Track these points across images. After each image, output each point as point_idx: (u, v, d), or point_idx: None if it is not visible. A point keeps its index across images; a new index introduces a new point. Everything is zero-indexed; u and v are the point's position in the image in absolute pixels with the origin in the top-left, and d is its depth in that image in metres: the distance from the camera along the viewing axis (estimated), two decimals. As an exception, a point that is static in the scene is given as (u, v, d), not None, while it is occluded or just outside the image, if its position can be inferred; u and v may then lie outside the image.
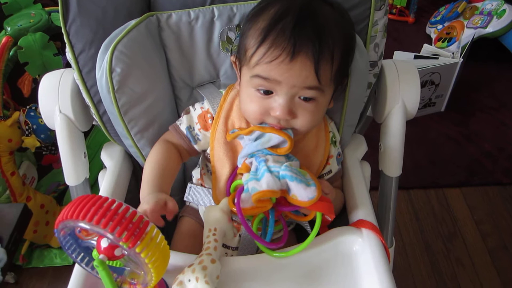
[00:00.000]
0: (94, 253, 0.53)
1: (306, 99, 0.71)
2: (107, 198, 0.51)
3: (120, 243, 0.49)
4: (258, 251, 0.77)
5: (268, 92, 0.71)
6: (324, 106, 0.75)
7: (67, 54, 0.81)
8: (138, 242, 0.50)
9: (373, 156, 0.97)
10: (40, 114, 1.36)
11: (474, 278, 1.46)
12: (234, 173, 0.75)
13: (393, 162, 0.89)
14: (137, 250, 0.50)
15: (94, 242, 0.54)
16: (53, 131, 1.38)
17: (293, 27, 0.67)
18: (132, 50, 0.77)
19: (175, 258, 0.60)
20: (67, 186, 1.57)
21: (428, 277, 1.47)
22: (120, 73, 0.76)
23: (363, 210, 0.76)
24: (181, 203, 0.92)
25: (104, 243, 0.53)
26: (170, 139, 0.85)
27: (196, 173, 0.89)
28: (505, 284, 1.45)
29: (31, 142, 1.38)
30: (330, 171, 0.84)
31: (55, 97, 0.83)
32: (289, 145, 0.71)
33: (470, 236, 1.59)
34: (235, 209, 0.68)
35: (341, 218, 0.79)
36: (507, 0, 2.24)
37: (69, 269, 1.46)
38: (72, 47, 0.79)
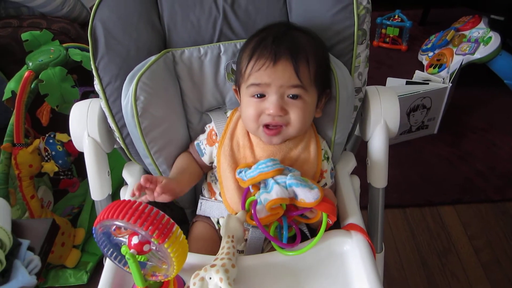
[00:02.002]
0: (123, 249, 0.63)
1: (293, 97, 0.86)
2: (141, 203, 0.62)
3: (152, 239, 0.60)
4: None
5: (261, 96, 0.87)
6: (311, 106, 0.88)
7: (95, 86, 0.93)
8: (166, 239, 0.61)
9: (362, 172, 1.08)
10: (58, 141, 1.49)
11: (468, 291, 1.53)
12: (246, 190, 0.86)
13: (379, 175, 1.01)
14: (165, 245, 0.61)
15: (124, 240, 0.65)
16: (69, 157, 1.50)
17: (272, 42, 0.85)
18: (153, 81, 0.90)
19: (190, 258, 0.70)
20: (81, 209, 1.68)
21: (425, 290, 1.54)
22: (144, 100, 0.89)
23: (352, 216, 0.86)
24: (193, 214, 1.03)
25: (135, 240, 0.63)
26: (190, 151, 1.00)
27: (204, 185, 1.00)
28: (499, 295, 1.52)
29: (50, 167, 1.48)
30: (325, 184, 0.95)
31: (84, 123, 0.96)
32: None
33: (464, 251, 1.66)
34: (253, 224, 0.80)
35: (335, 225, 0.89)
36: (492, 28, 2.37)
37: (82, 288, 1.56)
38: (100, 80, 0.92)
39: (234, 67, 0.97)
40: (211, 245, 0.86)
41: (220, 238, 0.93)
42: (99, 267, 1.59)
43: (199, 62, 0.96)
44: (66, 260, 1.55)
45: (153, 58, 0.92)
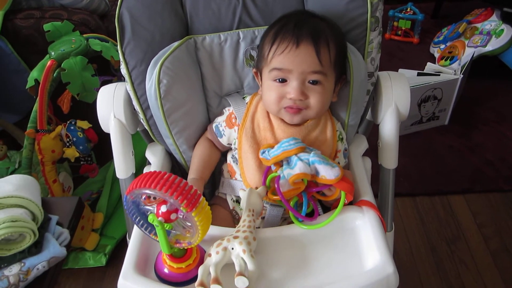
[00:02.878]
0: (150, 217, 0.68)
1: (314, 83, 0.90)
2: (171, 174, 0.66)
3: (181, 208, 0.65)
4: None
5: (283, 80, 0.91)
6: (329, 91, 0.93)
7: (122, 69, 0.98)
8: (194, 208, 0.65)
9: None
10: (78, 128, 1.54)
11: (477, 278, 1.56)
12: (268, 168, 0.91)
13: (390, 156, 1.05)
14: (193, 214, 0.65)
15: (151, 208, 0.69)
16: (89, 143, 1.56)
17: (294, 27, 0.89)
18: (175, 65, 0.95)
19: (210, 229, 0.73)
20: (99, 195, 1.74)
21: (434, 276, 1.57)
22: (166, 84, 0.94)
23: (364, 194, 0.91)
24: (211, 195, 1.09)
25: (163, 209, 0.68)
26: (207, 136, 1.05)
27: (224, 167, 1.05)
28: (507, 282, 1.54)
29: (71, 152, 1.53)
30: (338, 163, 0.98)
31: (110, 105, 1.01)
32: None
33: (473, 239, 1.69)
34: (275, 198, 0.86)
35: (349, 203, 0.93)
36: (504, 20, 2.38)
37: (101, 270, 1.61)
38: (126, 64, 0.97)
39: (253, 53, 1.02)
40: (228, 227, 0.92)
41: (234, 221, 0.98)
42: (117, 250, 1.64)
43: (219, 48, 1.01)
44: (85, 243, 1.60)
45: (176, 44, 0.97)
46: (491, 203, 1.83)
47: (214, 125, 1.04)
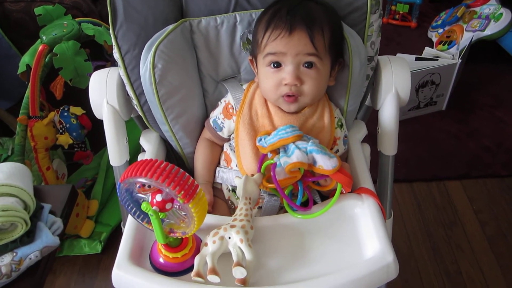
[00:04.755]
0: (143, 205, 0.66)
1: (309, 66, 0.89)
2: (168, 163, 0.65)
3: (178, 199, 0.63)
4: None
5: (278, 65, 0.90)
6: (325, 75, 0.91)
7: (114, 54, 0.95)
8: (191, 199, 0.64)
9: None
10: (72, 114, 1.52)
11: (473, 262, 1.56)
12: (263, 155, 0.89)
13: (389, 143, 1.03)
14: (190, 205, 0.64)
15: (145, 197, 0.68)
16: (83, 130, 1.53)
17: (287, 13, 0.88)
18: (170, 49, 0.92)
19: (207, 218, 0.72)
20: (94, 182, 1.72)
21: (430, 261, 1.57)
22: (161, 68, 0.91)
23: (363, 181, 0.89)
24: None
25: (158, 198, 0.66)
26: (206, 136, 1.04)
27: (221, 155, 1.03)
28: (503, 267, 1.55)
29: (64, 139, 1.51)
30: (338, 151, 0.98)
31: (103, 90, 0.98)
32: None
33: (469, 224, 1.69)
34: (270, 186, 0.84)
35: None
36: (503, 4, 2.35)
37: (97, 257, 1.61)
38: (119, 48, 0.94)
39: (250, 36, 0.99)
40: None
41: (230, 211, 0.97)
42: (112, 237, 1.63)
43: (216, 32, 0.98)
44: (80, 231, 1.59)
45: (170, 27, 0.94)
46: (487, 188, 1.83)
47: (211, 120, 1.02)
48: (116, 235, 1.64)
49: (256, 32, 0.93)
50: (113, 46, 0.94)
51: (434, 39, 2.56)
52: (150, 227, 0.70)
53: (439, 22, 2.60)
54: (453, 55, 2.08)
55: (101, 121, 1.02)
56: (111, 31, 0.92)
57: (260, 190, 0.88)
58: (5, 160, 1.65)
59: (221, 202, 0.98)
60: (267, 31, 0.89)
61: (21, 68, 1.47)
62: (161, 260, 0.74)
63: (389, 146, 1.03)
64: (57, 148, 1.68)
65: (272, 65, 0.90)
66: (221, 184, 1.00)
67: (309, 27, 0.86)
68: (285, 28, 0.86)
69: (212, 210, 0.95)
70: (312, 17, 0.88)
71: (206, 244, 0.72)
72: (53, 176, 1.56)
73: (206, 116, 1.05)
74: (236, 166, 0.96)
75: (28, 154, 1.62)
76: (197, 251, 0.74)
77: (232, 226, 0.74)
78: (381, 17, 0.98)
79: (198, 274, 0.69)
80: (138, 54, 0.93)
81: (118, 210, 1.64)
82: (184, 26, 0.97)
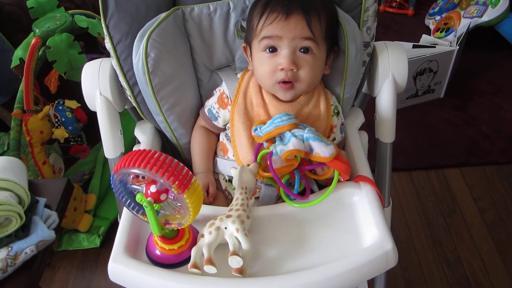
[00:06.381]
0: (138, 197, 0.65)
1: (305, 51, 0.87)
2: (162, 153, 0.63)
3: (172, 189, 0.62)
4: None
5: (274, 49, 0.88)
6: (320, 61, 0.90)
7: (106, 44, 0.93)
8: (186, 190, 0.63)
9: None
10: (67, 108, 1.51)
11: (473, 250, 1.56)
12: (259, 144, 0.88)
13: (387, 130, 1.02)
14: (184, 196, 0.63)
15: (139, 188, 0.67)
16: (79, 123, 1.52)
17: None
18: (163, 38, 0.90)
19: (203, 209, 0.71)
20: (91, 176, 1.71)
21: (430, 249, 1.57)
22: (154, 57, 0.90)
23: (361, 169, 0.88)
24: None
25: (152, 189, 0.65)
26: (200, 123, 1.02)
27: (218, 144, 1.02)
28: (503, 254, 1.55)
29: (60, 133, 1.49)
30: (334, 139, 0.97)
31: (96, 81, 0.97)
32: None
33: (468, 212, 1.69)
34: (266, 174, 0.83)
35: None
36: (501, -11, 2.33)
37: (96, 251, 1.60)
38: (111, 38, 0.92)
39: (244, 24, 0.97)
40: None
41: (227, 202, 0.96)
42: (111, 231, 1.63)
43: (209, 19, 0.97)
44: (78, 225, 1.59)
45: (163, 15, 0.92)
46: (486, 175, 1.83)
47: (206, 109, 1.00)
48: (114, 229, 1.61)
49: (251, 17, 0.92)
50: (105, 36, 0.92)
51: (432, 27, 2.54)
52: (146, 219, 0.70)
53: (436, 9, 2.58)
54: (450, 42, 2.06)
55: (96, 114, 1.01)
56: (102, 21, 0.90)
57: (257, 180, 0.87)
58: (1, 155, 1.63)
59: (218, 193, 0.97)
60: (263, 15, 0.87)
61: (15, 62, 1.46)
62: (157, 252, 0.73)
63: (386, 133, 1.02)
64: (53, 142, 1.67)
65: (267, 49, 0.89)
66: (218, 174, 0.99)
67: (306, 11, 0.85)
68: (282, 11, 0.85)
69: (216, 202, 0.94)
70: (309, 2, 0.87)
71: (202, 235, 0.72)
72: (50, 171, 1.55)
73: (201, 105, 1.04)
74: (233, 156, 0.95)
75: (24, 149, 1.60)
76: (194, 242, 0.73)
77: (228, 216, 0.73)
78: (376, 2, 0.97)
79: (195, 265, 0.68)
80: (130, 43, 0.91)
81: (116, 204, 1.63)
82: (177, 14, 0.95)
